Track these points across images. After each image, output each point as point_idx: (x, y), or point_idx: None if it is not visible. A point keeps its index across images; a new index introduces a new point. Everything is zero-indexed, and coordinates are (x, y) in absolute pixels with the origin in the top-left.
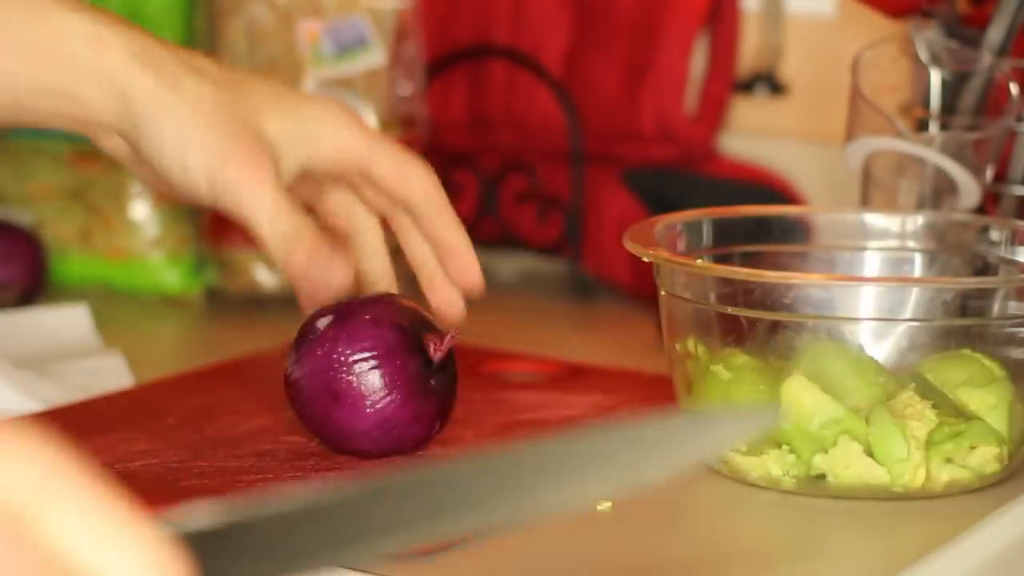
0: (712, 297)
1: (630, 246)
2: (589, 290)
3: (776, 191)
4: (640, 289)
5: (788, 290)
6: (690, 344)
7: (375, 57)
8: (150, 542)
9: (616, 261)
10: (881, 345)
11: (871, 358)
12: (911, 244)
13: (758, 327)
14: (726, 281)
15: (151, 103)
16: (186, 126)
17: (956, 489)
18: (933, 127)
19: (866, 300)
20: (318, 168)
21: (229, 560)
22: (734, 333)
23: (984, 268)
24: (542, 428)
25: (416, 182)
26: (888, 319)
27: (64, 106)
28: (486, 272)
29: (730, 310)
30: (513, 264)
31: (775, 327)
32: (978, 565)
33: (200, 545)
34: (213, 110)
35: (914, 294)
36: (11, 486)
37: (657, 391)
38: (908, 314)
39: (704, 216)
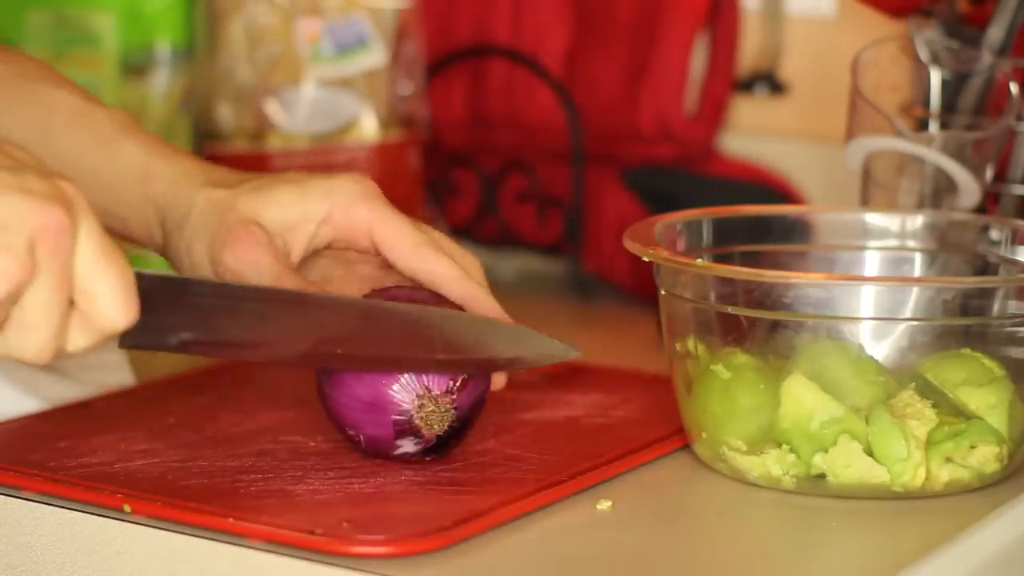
0: (712, 297)
1: (630, 246)
2: (589, 290)
3: (776, 190)
4: (640, 289)
5: (788, 290)
6: (690, 344)
7: (375, 57)
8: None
9: (616, 261)
10: (881, 345)
11: (871, 358)
12: (911, 244)
13: (758, 327)
14: (726, 281)
15: (176, 229)
16: (196, 229)
17: (956, 489)
18: (933, 127)
19: (866, 300)
20: (329, 240)
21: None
22: (734, 333)
23: (984, 268)
24: (542, 428)
25: (432, 265)
26: (888, 319)
27: (109, 221)
28: (486, 272)
29: (730, 310)
30: (513, 264)
31: (775, 327)
32: (978, 565)
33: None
34: (212, 211)
35: (914, 294)
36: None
37: (657, 391)
38: (908, 314)
39: (704, 216)
